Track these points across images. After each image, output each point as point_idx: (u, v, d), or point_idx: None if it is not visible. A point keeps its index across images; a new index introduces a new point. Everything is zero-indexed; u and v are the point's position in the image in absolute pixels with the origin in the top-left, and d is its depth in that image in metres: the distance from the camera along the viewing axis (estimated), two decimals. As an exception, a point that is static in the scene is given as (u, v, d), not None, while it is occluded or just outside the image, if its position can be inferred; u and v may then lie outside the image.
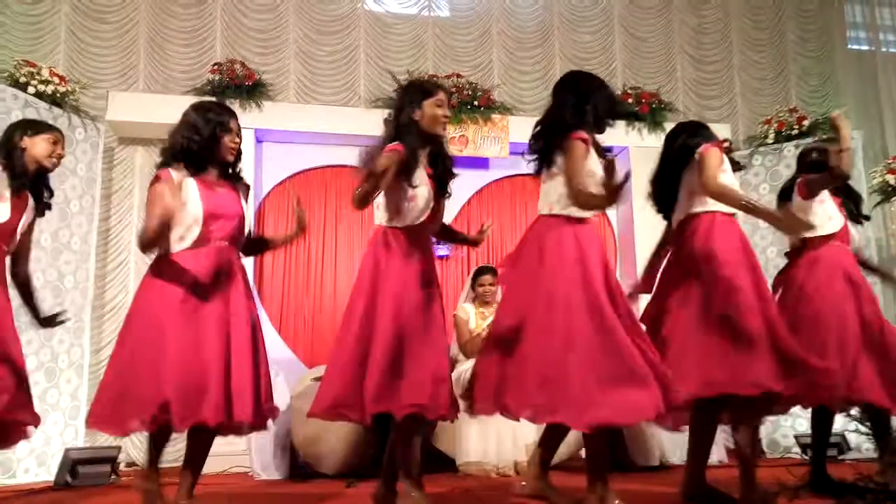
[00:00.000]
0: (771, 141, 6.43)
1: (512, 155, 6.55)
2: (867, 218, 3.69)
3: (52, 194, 3.25)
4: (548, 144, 2.82)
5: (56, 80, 5.41)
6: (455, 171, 2.98)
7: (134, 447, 5.52)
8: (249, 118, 5.99)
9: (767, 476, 3.17)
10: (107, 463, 4.53)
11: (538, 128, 2.91)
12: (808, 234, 3.28)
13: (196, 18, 6.57)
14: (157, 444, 2.77)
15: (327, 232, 6.47)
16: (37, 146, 3.10)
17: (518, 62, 7.14)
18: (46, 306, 5.00)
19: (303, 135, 6.40)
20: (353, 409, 2.66)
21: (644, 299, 3.16)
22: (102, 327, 5.85)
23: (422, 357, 2.71)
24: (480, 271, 5.19)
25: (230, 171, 2.92)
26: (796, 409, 3.71)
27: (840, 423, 3.69)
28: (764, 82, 7.54)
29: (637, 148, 6.44)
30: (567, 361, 2.52)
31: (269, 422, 2.87)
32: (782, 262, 5.86)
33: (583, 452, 4.42)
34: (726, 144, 3.13)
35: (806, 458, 4.85)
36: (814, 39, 7.72)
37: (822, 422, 3.38)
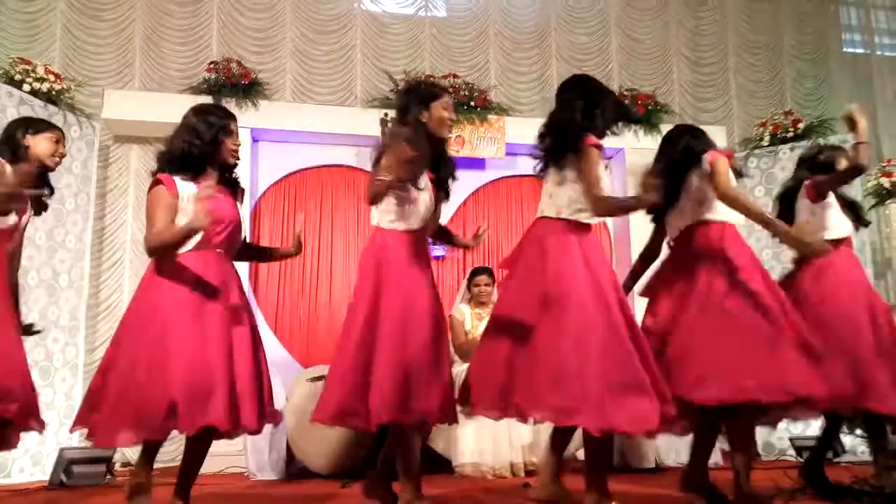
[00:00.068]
0: (766, 143, 6.44)
1: (508, 156, 6.57)
2: (868, 223, 3.65)
3: (52, 193, 3.22)
4: (557, 146, 2.80)
5: (51, 77, 5.39)
6: (456, 174, 2.98)
7: (129, 448, 5.49)
8: (245, 117, 5.97)
9: (763, 478, 3.18)
10: (102, 463, 4.51)
11: (546, 128, 2.89)
12: (822, 238, 3.20)
13: (192, 17, 6.55)
14: (149, 448, 2.73)
15: (323, 232, 6.46)
16: (39, 145, 3.07)
17: (515, 63, 7.15)
18: (41, 305, 5.07)
19: (299, 134, 6.40)
20: (357, 417, 2.64)
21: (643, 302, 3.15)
22: (97, 326, 5.83)
23: (429, 364, 2.70)
24: (476, 272, 5.20)
25: (227, 175, 2.91)
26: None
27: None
28: (759, 85, 7.56)
29: (633, 149, 6.44)
30: (582, 363, 2.50)
31: (255, 433, 2.87)
32: (777, 265, 5.92)
33: (579, 454, 4.47)
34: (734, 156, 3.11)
35: (801, 460, 4.87)
36: (809, 42, 7.75)
37: (832, 426, 3.38)
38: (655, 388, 2.56)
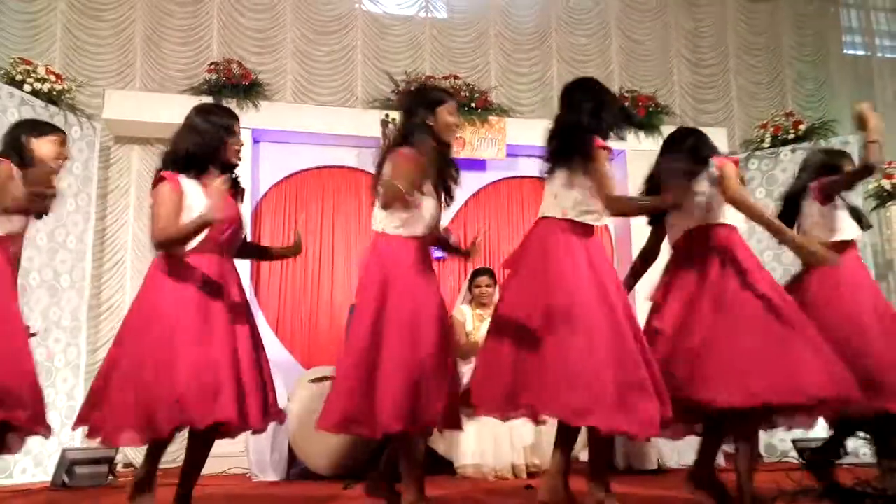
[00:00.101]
0: (767, 145, 6.45)
1: (509, 157, 6.57)
2: (869, 226, 3.64)
3: (55, 196, 3.22)
4: (566, 148, 2.79)
5: (52, 78, 5.39)
6: (459, 180, 2.97)
7: (131, 448, 5.49)
8: (246, 118, 5.95)
9: (765, 480, 3.18)
10: (104, 463, 4.51)
11: (554, 130, 2.88)
12: (830, 240, 3.20)
13: (193, 17, 6.55)
14: (156, 448, 2.70)
15: (324, 233, 6.46)
16: (43, 147, 3.07)
17: (515, 64, 7.15)
18: (43, 306, 5.07)
19: (300, 135, 6.40)
20: (363, 425, 2.62)
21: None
22: (99, 327, 5.83)
23: (436, 372, 2.69)
24: (477, 273, 5.19)
25: (229, 175, 2.91)
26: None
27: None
28: (760, 86, 7.57)
29: (634, 151, 6.44)
30: (593, 364, 2.50)
31: (262, 430, 2.87)
32: (778, 266, 5.93)
33: (581, 456, 4.46)
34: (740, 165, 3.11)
35: (804, 462, 4.87)
36: (810, 44, 7.76)
37: (842, 429, 3.37)
38: (656, 389, 2.57)
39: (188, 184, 2.74)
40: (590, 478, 2.67)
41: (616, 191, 2.74)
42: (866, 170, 3.14)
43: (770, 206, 3.59)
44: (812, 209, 3.29)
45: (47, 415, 3.03)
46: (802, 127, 6.40)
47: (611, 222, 6.83)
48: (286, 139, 6.44)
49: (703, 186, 2.89)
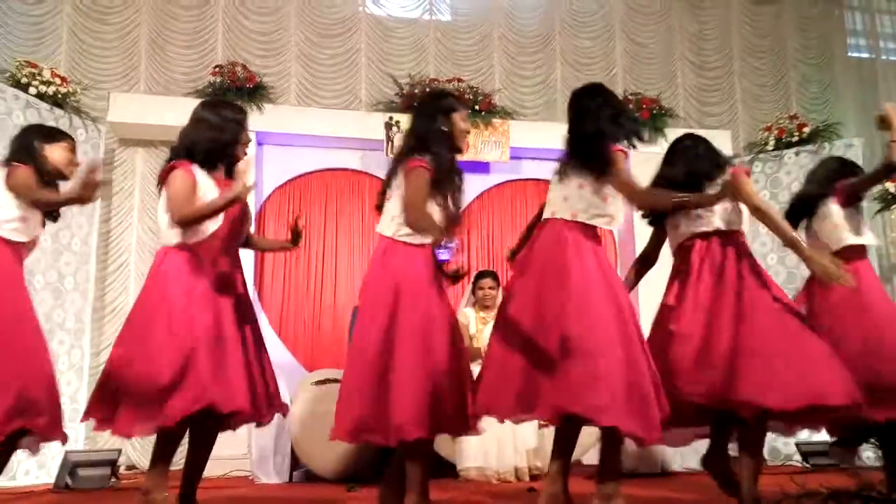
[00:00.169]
0: (771, 148, 6.44)
1: (513, 159, 6.57)
2: None
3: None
4: (585, 154, 2.77)
5: (57, 80, 5.41)
6: (462, 186, 2.95)
7: (134, 450, 5.51)
8: (250, 121, 5.85)
9: (769, 483, 3.17)
10: (107, 466, 4.51)
11: (573, 135, 2.87)
12: (845, 244, 3.16)
13: (197, 20, 6.57)
14: (170, 443, 2.67)
15: (327, 235, 6.47)
16: (55, 153, 3.06)
17: (519, 67, 7.16)
18: (47, 308, 5.07)
19: (304, 138, 6.41)
20: (376, 433, 2.59)
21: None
22: (103, 329, 5.84)
23: (451, 378, 2.67)
24: (481, 275, 5.18)
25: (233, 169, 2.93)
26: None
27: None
28: (764, 89, 7.56)
29: (637, 153, 6.41)
30: (610, 365, 2.49)
31: (268, 422, 2.88)
32: (783, 269, 5.92)
33: (583, 459, 4.46)
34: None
35: (808, 465, 4.85)
36: (814, 47, 7.74)
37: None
38: (657, 395, 2.57)
39: (200, 174, 2.76)
40: (601, 474, 2.65)
41: (640, 185, 2.76)
42: (888, 169, 3.11)
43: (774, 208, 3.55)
44: (832, 211, 3.21)
45: (63, 421, 3.02)
46: (807, 130, 6.40)
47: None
48: (290, 142, 6.45)
49: (714, 189, 2.91)
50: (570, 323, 2.56)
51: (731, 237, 2.91)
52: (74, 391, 5.28)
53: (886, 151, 3.09)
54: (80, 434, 5.22)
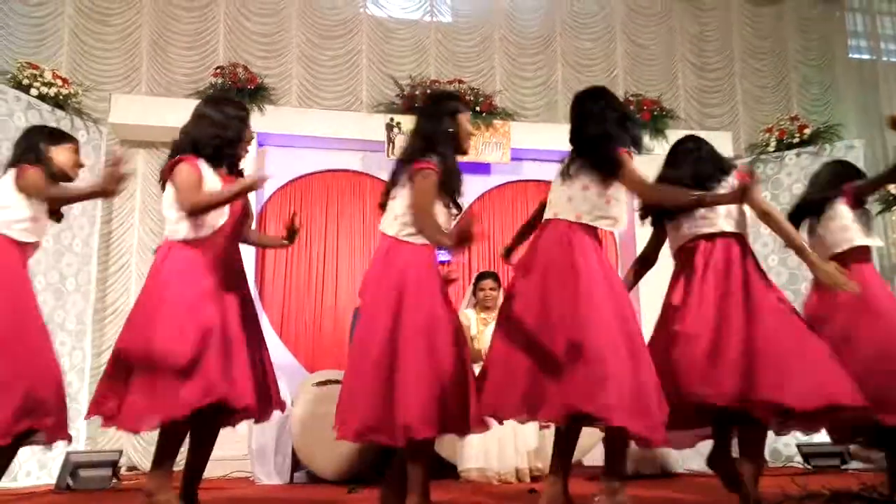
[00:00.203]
0: (772, 149, 6.44)
1: (513, 161, 6.57)
2: None
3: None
4: (592, 156, 2.76)
5: (59, 82, 5.42)
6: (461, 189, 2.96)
7: (135, 451, 5.50)
8: (251, 122, 5.96)
9: (770, 485, 3.17)
10: (108, 467, 4.51)
11: (580, 137, 2.85)
12: (853, 244, 3.16)
13: (199, 21, 6.59)
14: (173, 441, 2.65)
15: (328, 237, 6.48)
16: (61, 155, 3.07)
17: (520, 68, 7.16)
18: (48, 309, 5.07)
19: (305, 139, 6.42)
20: (383, 433, 2.58)
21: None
22: (104, 330, 5.85)
23: (456, 377, 2.67)
24: (481, 276, 5.17)
25: (236, 167, 2.94)
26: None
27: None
28: (765, 90, 7.56)
29: (638, 154, 6.42)
30: (618, 366, 2.49)
31: (269, 421, 2.89)
32: (784, 270, 5.92)
33: (584, 460, 4.46)
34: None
35: (809, 467, 4.85)
36: (815, 48, 7.75)
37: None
38: (657, 397, 2.58)
39: (206, 169, 2.76)
40: (607, 472, 2.64)
41: (653, 183, 2.80)
42: None
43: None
44: (841, 211, 3.20)
45: (69, 422, 3.02)
46: (808, 131, 6.39)
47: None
48: (291, 143, 6.46)
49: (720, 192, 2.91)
50: (579, 324, 2.56)
51: (735, 239, 2.92)
52: (76, 392, 5.28)
53: None
54: (81, 435, 5.22)
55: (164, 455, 2.64)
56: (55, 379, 2.94)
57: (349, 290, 6.27)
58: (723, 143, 6.14)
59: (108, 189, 2.69)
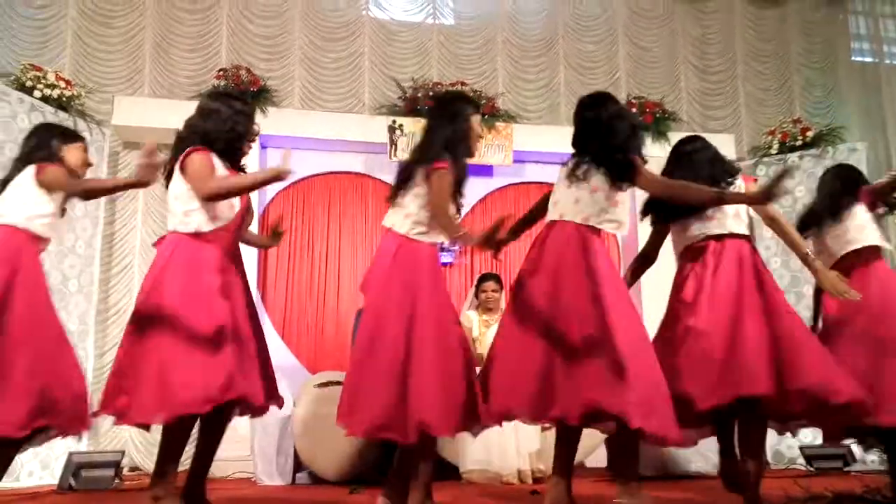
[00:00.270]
0: (775, 151, 6.44)
1: (516, 163, 6.57)
2: None
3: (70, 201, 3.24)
4: (609, 163, 2.76)
5: (62, 84, 5.44)
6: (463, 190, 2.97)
7: (138, 451, 5.50)
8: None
9: (773, 487, 3.16)
10: (110, 467, 4.51)
11: (592, 141, 2.84)
12: (867, 243, 3.18)
13: (202, 24, 6.60)
14: (179, 441, 2.65)
15: (330, 238, 6.48)
16: (71, 154, 3.09)
17: (522, 71, 7.16)
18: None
19: (307, 141, 6.43)
20: (394, 430, 2.59)
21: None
22: (107, 331, 5.85)
23: (464, 375, 2.69)
24: (484, 278, 5.17)
25: (239, 162, 2.95)
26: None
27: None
28: (768, 93, 7.55)
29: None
30: (638, 363, 2.50)
31: (269, 422, 2.90)
32: (786, 273, 5.91)
33: (586, 461, 4.45)
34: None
35: (812, 469, 4.84)
36: (818, 51, 7.74)
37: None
38: (667, 394, 2.58)
39: (217, 162, 2.78)
40: (622, 475, 2.64)
41: (667, 180, 2.85)
42: None
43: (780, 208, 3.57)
44: (858, 212, 3.21)
45: (89, 414, 2.98)
46: (810, 134, 6.40)
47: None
48: (293, 145, 6.44)
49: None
50: (599, 323, 2.56)
51: (742, 240, 2.94)
52: (78, 393, 5.28)
53: None
54: (82, 435, 5.21)
55: (167, 457, 2.64)
56: (73, 375, 2.94)
57: (351, 291, 6.28)
58: (725, 146, 6.14)
59: (142, 180, 2.69)
